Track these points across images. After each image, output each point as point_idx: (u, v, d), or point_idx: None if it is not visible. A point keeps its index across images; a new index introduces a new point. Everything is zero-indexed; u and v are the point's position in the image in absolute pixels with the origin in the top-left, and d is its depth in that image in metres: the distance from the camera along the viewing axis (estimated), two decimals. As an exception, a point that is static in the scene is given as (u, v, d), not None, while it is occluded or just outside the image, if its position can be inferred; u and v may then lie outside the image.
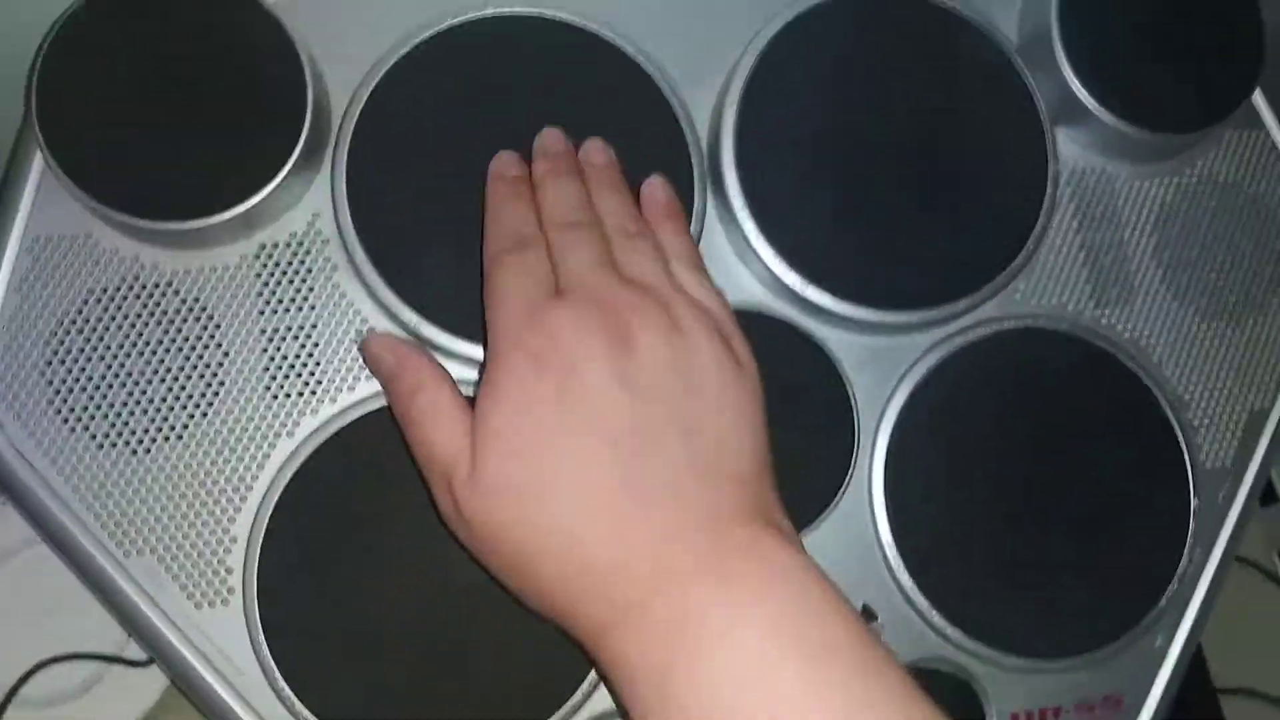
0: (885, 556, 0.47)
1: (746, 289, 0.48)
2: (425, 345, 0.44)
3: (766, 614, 0.33)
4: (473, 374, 0.44)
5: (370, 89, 0.45)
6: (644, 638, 0.33)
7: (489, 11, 0.47)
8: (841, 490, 0.47)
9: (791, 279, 0.47)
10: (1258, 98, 0.54)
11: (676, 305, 0.38)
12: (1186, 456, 0.50)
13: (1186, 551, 0.49)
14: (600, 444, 0.35)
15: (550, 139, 0.44)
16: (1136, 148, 0.50)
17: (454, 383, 0.39)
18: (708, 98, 0.48)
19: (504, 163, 0.43)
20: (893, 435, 0.48)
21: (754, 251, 0.47)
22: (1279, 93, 0.54)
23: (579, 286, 0.38)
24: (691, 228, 0.46)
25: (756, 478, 0.37)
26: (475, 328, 0.44)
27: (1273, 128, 0.54)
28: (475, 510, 0.36)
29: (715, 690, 0.32)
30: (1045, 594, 0.48)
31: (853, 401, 0.48)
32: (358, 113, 0.45)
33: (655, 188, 0.44)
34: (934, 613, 0.47)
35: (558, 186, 0.42)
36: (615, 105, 0.47)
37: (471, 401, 0.38)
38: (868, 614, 0.47)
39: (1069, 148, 0.51)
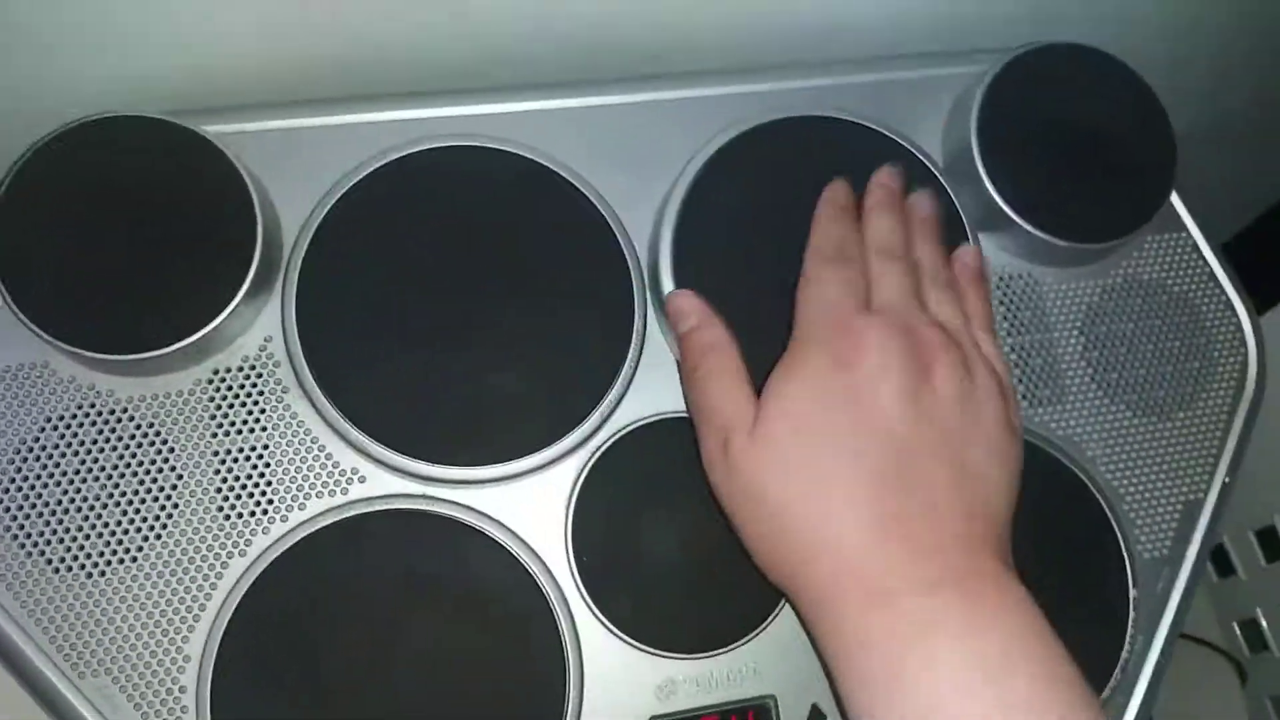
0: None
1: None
2: (370, 463, 0.45)
3: (1003, 632, 0.36)
4: (420, 488, 0.46)
5: (320, 217, 0.47)
6: (886, 625, 0.37)
7: (435, 143, 0.49)
8: (786, 593, 0.48)
9: (731, 388, 0.48)
10: (1177, 201, 0.56)
11: (972, 357, 0.42)
12: (1124, 548, 0.51)
13: (1128, 641, 0.50)
14: (881, 448, 0.39)
15: (887, 175, 0.48)
16: (1059, 254, 0.52)
17: (742, 353, 0.43)
18: (646, 220, 0.51)
19: (838, 189, 0.48)
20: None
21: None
22: (1195, 192, 0.57)
23: (890, 309, 0.42)
24: (633, 343, 0.48)
25: (1004, 524, 0.40)
26: (422, 446, 0.45)
27: (1192, 229, 0.56)
28: (748, 464, 0.40)
29: (950, 683, 0.35)
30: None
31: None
32: (307, 241, 0.47)
33: (970, 255, 0.48)
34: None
35: (886, 219, 0.46)
36: (558, 229, 0.49)
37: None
38: (816, 715, 0.47)
39: (996, 254, 0.53)
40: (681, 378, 0.46)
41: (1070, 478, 0.51)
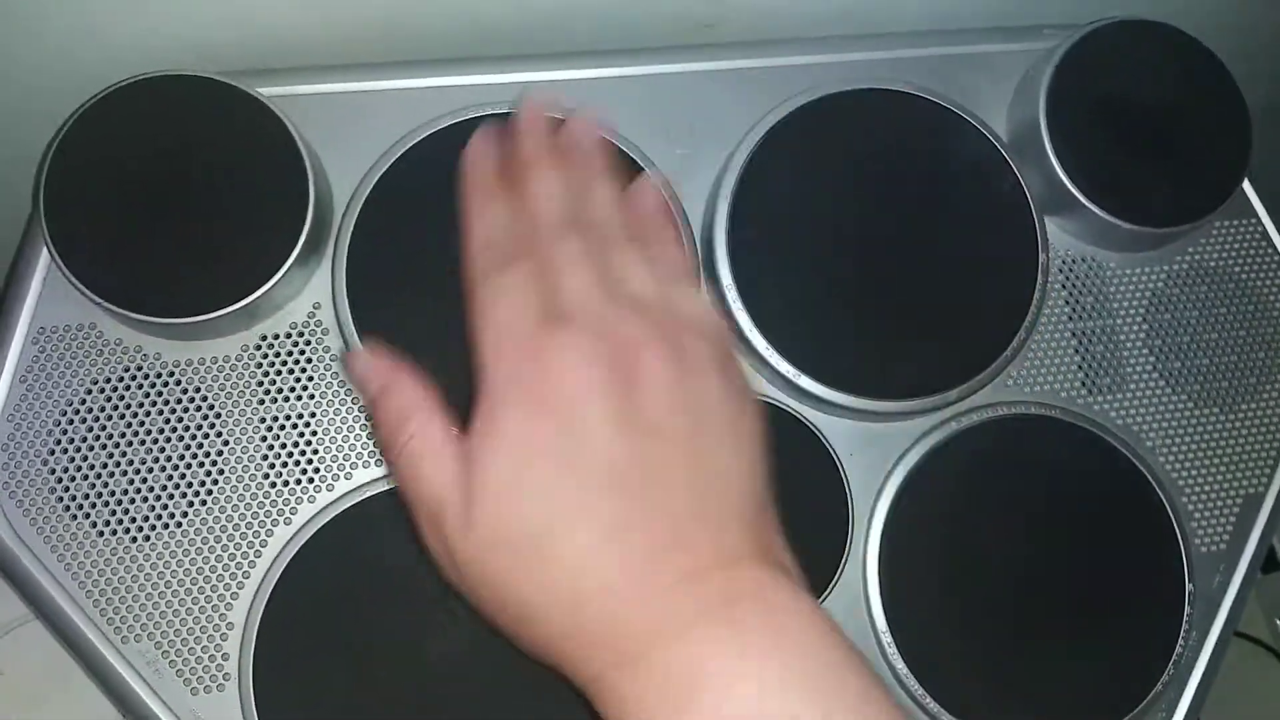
0: (880, 643, 0.47)
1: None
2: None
3: (776, 666, 0.31)
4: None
5: (371, 184, 0.46)
6: (646, 691, 0.31)
7: (487, 109, 0.48)
8: (836, 577, 0.47)
9: (785, 368, 0.47)
10: (1248, 187, 0.55)
11: (680, 335, 0.35)
12: (1181, 541, 0.50)
13: (1182, 636, 0.49)
14: (603, 492, 0.33)
15: (531, 112, 0.41)
16: (1126, 238, 0.51)
17: (444, 413, 0.36)
18: (701, 191, 0.49)
19: (477, 150, 0.40)
20: (887, 522, 0.48)
21: (748, 342, 0.47)
22: (1267, 177, 0.55)
23: (577, 313, 0.34)
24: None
25: (760, 516, 0.35)
26: (463, 418, 0.44)
27: (1264, 217, 0.55)
28: (469, 559, 0.34)
29: (746, 710, 0.30)
30: (1041, 681, 0.48)
31: (847, 487, 0.48)
32: (359, 207, 0.46)
33: (648, 195, 0.41)
34: (930, 700, 0.46)
35: (545, 179, 0.38)
36: (611, 197, 0.48)
37: (461, 430, 0.35)
38: None
39: (1059, 236, 0.52)
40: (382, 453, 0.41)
41: (1128, 468, 0.50)
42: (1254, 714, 0.73)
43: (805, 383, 0.47)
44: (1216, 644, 0.50)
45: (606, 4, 0.55)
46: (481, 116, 0.48)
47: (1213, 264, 0.54)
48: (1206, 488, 0.51)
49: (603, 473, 0.33)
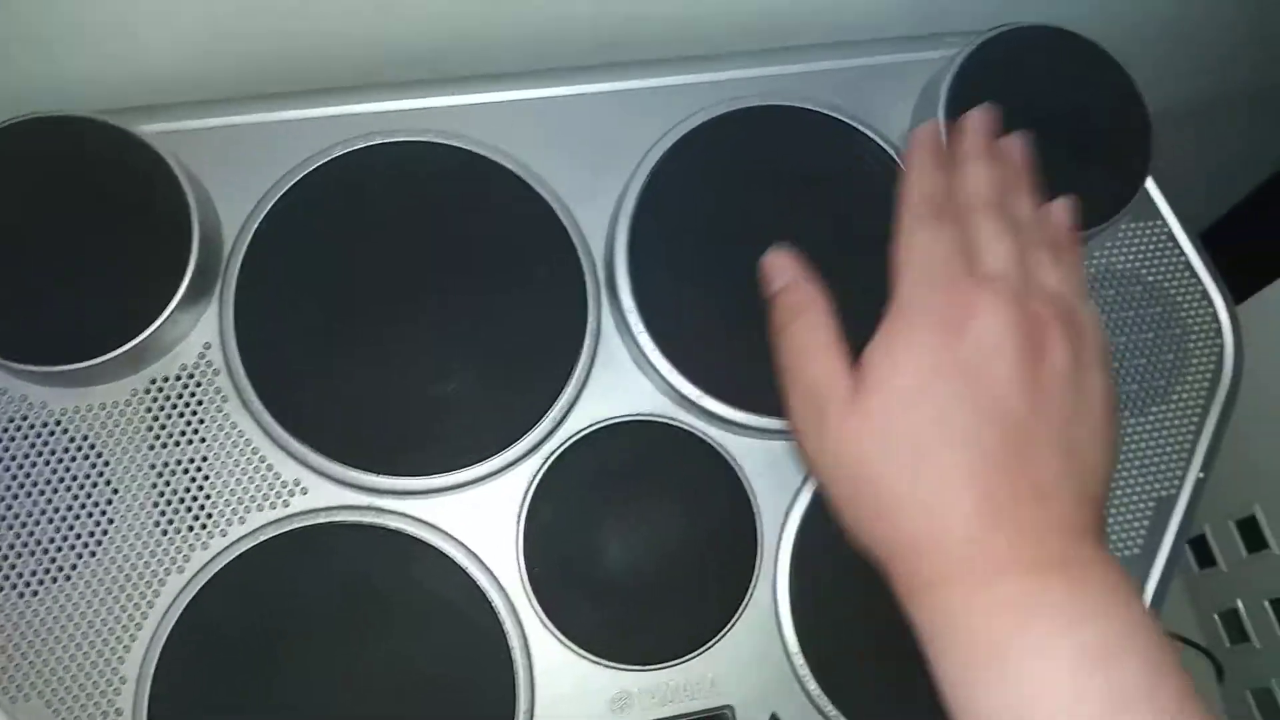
0: (792, 665, 0.47)
1: (647, 397, 0.48)
2: (313, 474, 0.44)
3: (1108, 621, 0.35)
4: (365, 499, 0.44)
5: (259, 219, 0.46)
6: (992, 607, 0.35)
7: (380, 139, 0.47)
8: (746, 598, 0.47)
9: (689, 390, 0.47)
10: (1153, 189, 0.55)
11: (1081, 329, 0.40)
12: (1095, 549, 0.50)
13: (1099, 645, 0.49)
14: (993, 428, 0.37)
15: (979, 120, 0.46)
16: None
17: (836, 315, 0.41)
18: (601, 215, 0.49)
19: (929, 131, 0.46)
20: (796, 541, 0.48)
21: (652, 365, 0.47)
22: (1172, 180, 0.55)
23: (999, 278, 0.39)
24: (586, 344, 0.47)
25: (1103, 508, 0.39)
26: (366, 456, 0.44)
27: (1169, 217, 0.55)
28: (848, 435, 0.38)
29: (1055, 672, 0.34)
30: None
31: (755, 508, 0.48)
32: (246, 243, 0.45)
33: (1064, 211, 0.46)
34: (842, 719, 0.46)
35: (983, 168, 0.44)
36: (509, 226, 0.48)
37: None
38: (777, 725, 0.46)
39: (963, 247, 0.51)
40: (771, 338, 0.44)
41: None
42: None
43: (710, 404, 0.47)
44: (1135, 648, 0.50)
45: (502, 27, 0.54)
46: (373, 145, 0.47)
47: (1120, 267, 0.54)
48: (1118, 492, 0.51)
49: (995, 414, 0.37)
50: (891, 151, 0.51)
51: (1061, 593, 0.36)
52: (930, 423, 0.37)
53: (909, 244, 0.41)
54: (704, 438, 0.48)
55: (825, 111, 0.51)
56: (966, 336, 0.38)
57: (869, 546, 0.39)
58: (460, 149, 0.48)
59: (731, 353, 0.48)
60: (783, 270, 0.44)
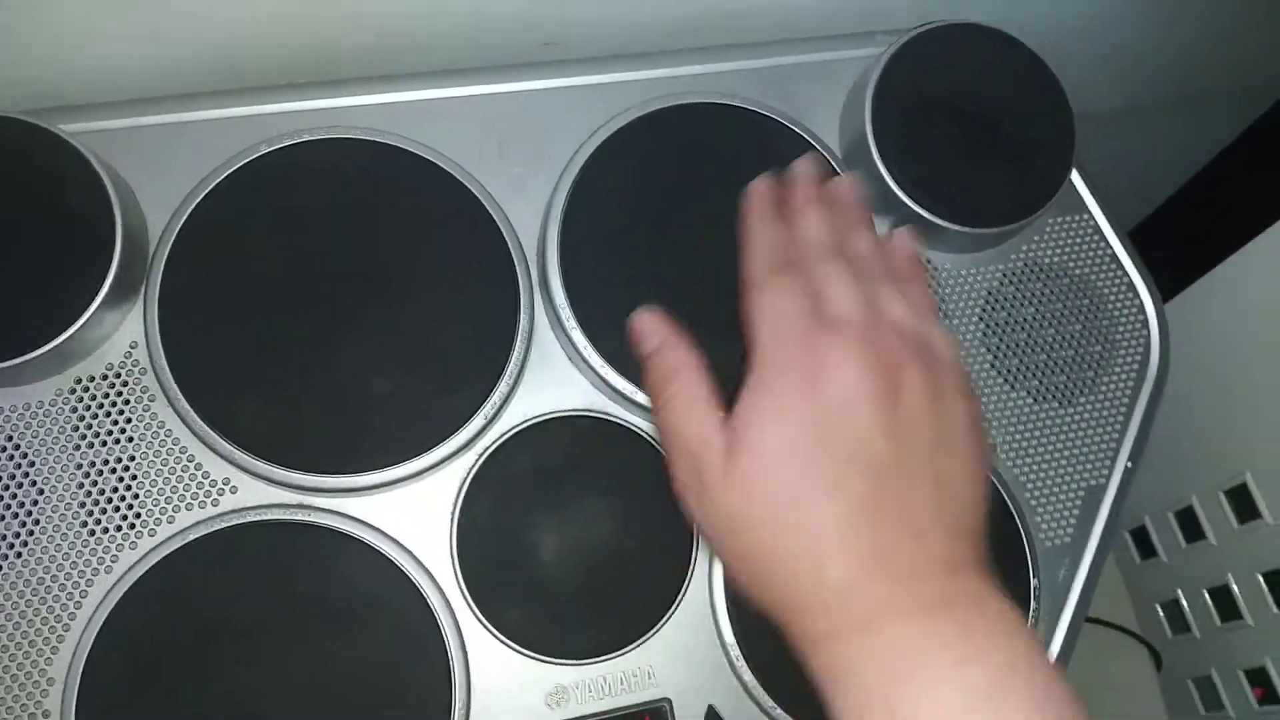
0: (729, 656, 0.47)
1: (581, 392, 0.48)
2: (242, 473, 0.44)
3: (995, 658, 0.35)
4: (296, 498, 0.44)
5: (184, 218, 0.45)
6: (879, 654, 0.36)
7: (307, 136, 0.47)
8: (682, 590, 0.47)
9: (622, 384, 0.47)
10: (1079, 181, 0.55)
11: (935, 360, 0.40)
12: (1025, 536, 0.51)
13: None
14: (863, 476, 0.37)
15: (807, 168, 0.47)
16: (956, 240, 0.52)
17: (708, 374, 0.41)
18: (533, 212, 0.49)
19: (763, 188, 0.46)
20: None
21: (584, 359, 0.47)
22: (1101, 177, 0.56)
23: (846, 321, 0.40)
24: (518, 341, 0.47)
25: (980, 535, 0.39)
26: (296, 454, 0.44)
27: (1095, 211, 0.56)
28: (725, 501, 0.39)
29: (950, 711, 0.34)
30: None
31: (689, 502, 0.48)
32: (171, 241, 0.45)
33: (906, 240, 0.46)
34: (778, 710, 0.46)
35: (818, 218, 0.44)
36: (440, 224, 0.48)
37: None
38: (713, 716, 0.46)
39: (892, 241, 0.52)
40: (650, 401, 0.44)
41: (971, 467, 0.51)
42: (1124, 705, 0.74)
43: (643, 398, 0.47)
44: (1066, 636, 0.51)
45: (434, 24, 0.54)
46: (300, 143, 0.47)
47: (1047, 260, 0.54)
48: (1048, 482, 0.52)
49: (860, 458, 0.37)
50: (820, 149, 0.51)
51: (948, 633, 0.36)
52: (799, 477, 0.38)
53: (759, 301, 0.41)
54: (638, 432, 0.48)
55: (755, 109, 0.51)
56: (823, 387, 0.38)
57: (765, 607, 0.39)
58: (389, 146, 0.48)
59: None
60: (654, 332, 0.44)
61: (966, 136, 0.52)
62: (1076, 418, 0.53)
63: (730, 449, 0.39)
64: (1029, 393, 0.53)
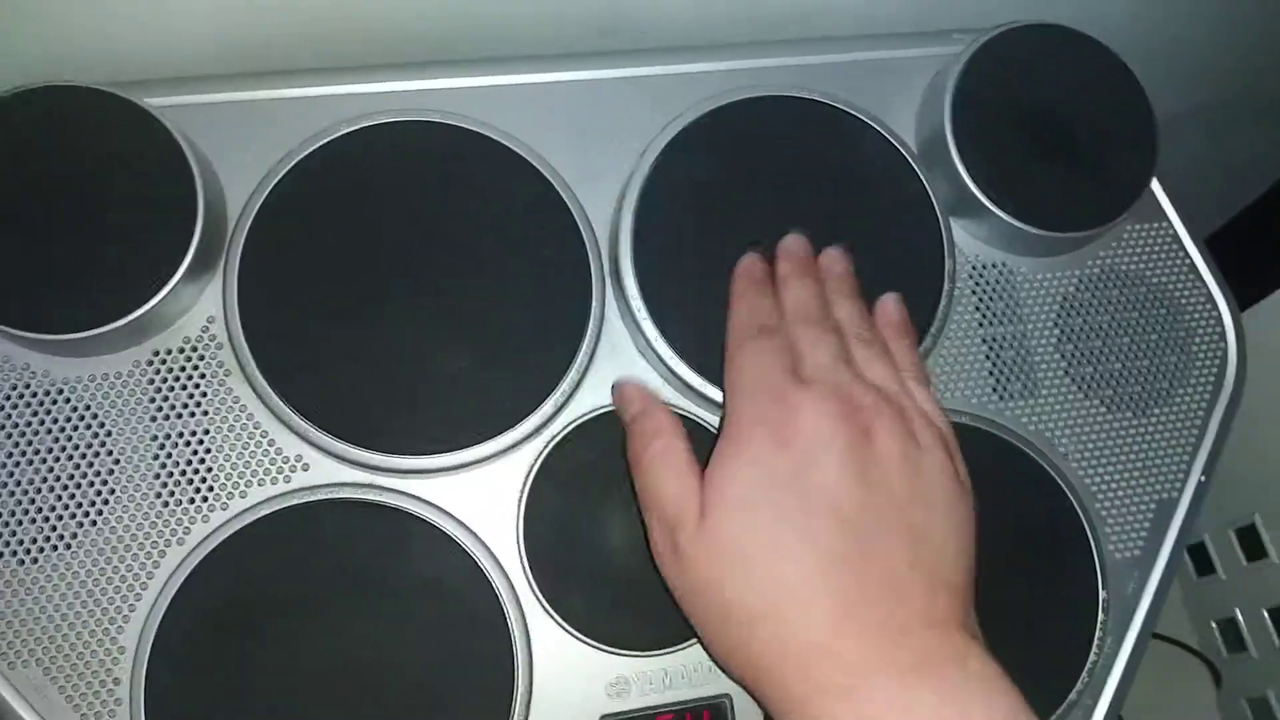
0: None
1: (648, 383, 0.48)
2: (314, 450, 0.44)
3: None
4: (366, 477, 0.44)
5: (264, 195, 0.46)
6: (856, 717, 0.34)
7: (387, 118, 0.47)
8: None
9: (692, 378, 0.47)
10: (1158, 190, 0.55)
11: (911, 415, 0.40)
12: (1095, 548, 0.50)
13: (1096, 643, 0.49)
14: (833, 529, 0.36)
15: (795, 243, 0.47)
16: (1035, 243, 0.51)
17: (688, 438, 0.41)
18: (606, 201, 0.49)
19: (749, 263, 0.46)
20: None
21: (655, 351, 0.47)
22: (1180, 183, 0.55)
23: (822, 379, 0.40)
24: (590, 329, 0.47)
25: (966, 590, 0.38)
26: (368, 434, 0.44)
27: (1174, 219, 0.55)
28: (697, 558, 0.38)
29: None
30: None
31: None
32: (251, 218, 0.45)
33: (890, 303, 0.47)
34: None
35: (801, 286, 0.45)
36: (515, 209, 0.48)
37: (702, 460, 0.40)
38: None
39: (968, 242, 0.52)
40: (631, 467, 0.43)
41: (1041, 474, 0.50)
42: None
43: (712, 391, 0.46)
44: (1132, 651, 0.50)
45: (507, 11, 0.54)
46: (380, 125, 0.47)
47: (1124, 268, 0.54)
48: (1120, 493, 0.51)
49: (831, 510, 0.37)
50: (898, 145, 0.51)
51: (926, 695, 0.34)
52: (767, 534, 0.37)
53: (736, 364, 0.42)
54: (707, 426, 0.48)
55: (833, 103, 0.51)
56: (794, 441, 0.38)
57: (739, 677, 0.38)
58: (467, 130, 0.48)
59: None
60: (633, 399, 0.44)
61: (1047, 139, 0.51)
62: (1150, 428, 0.52)
63: (702, 507, 0.38)
64: (1102, 401, 0.52)
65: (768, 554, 0.36)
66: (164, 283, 0.43)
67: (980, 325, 0.51)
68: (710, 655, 0.40)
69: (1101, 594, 0.49)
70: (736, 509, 0.37)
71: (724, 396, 0.42)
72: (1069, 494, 0.50)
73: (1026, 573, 0.49)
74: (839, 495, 0.37)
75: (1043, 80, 0.52)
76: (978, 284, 0.52)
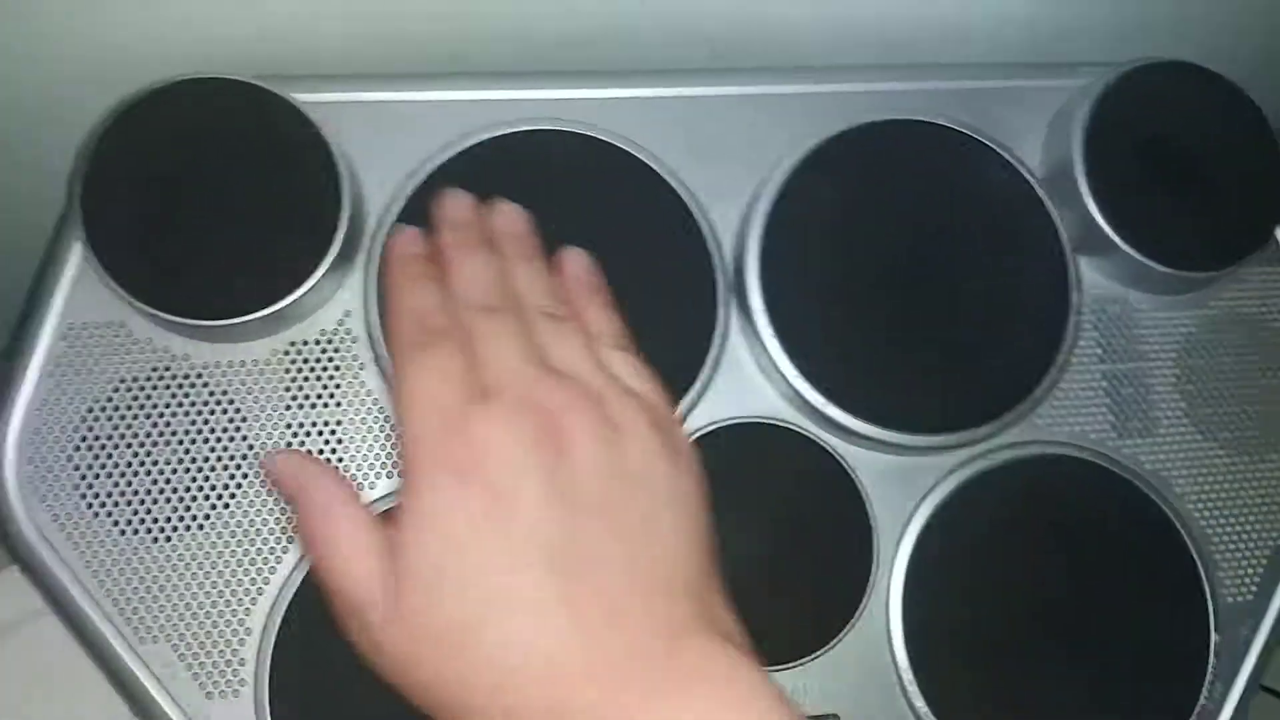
0: (901, 680, 0.46)
1: (768, 402, 0.48)
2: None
3: None
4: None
5: (406, 195, 0.46)
6: None
7: (523, 126, 0.48)
8: (859, 611, 0.46)
9: (814, 397, 0.47)
10: (1282, 234, 0.54)
11: (610, 399, 0.35)
12: (1208, 591, 0.49)
13: (1206, 687, 0.48)
14: (537, 572, 0.31)
15: (455, 204, 0.41)
16: (1159, 281, 0.51)
17: (366, 506, 0.35)
18: (732, 214, 0.49)
19: (404, 238, 0.40)
20: (911, 557, 0.47)
21: (777, 368, 0.47)
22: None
23: (504, 387, 0.34)
24: (713, 344, 0.47)
25: (704, 582, 0.34)
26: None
27: (1298, 264, 0.54)
28: (398, 653, 0.32)
29: None
30: (1062, 727, 0.47)
31: (872, 520, 0.47)
32: (392, 218, 0.46)
33: (576, 260, 0.41)
34: (947, 740, 0.46)
35: (469, 262, 0.38)
36: (641, 219, 0.48)
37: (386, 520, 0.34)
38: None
39: (1090, 276, 0.51)
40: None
41: (1156, 514, 0.50)
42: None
43: (834, 413, 0.47)
44: (1241, 697, 0.49)
45: (642, 25, 0.55)
46: (518, 132, 0.48)
47: (1247, 310, 0.53)
48: (1235, 537, 0.51)
49: (533, 550, 0.31)
50: (1028, 176, 0.51)
51: (679, 714, 0.30)
52: (470, 597, 0.31)
53: (399, 386, 0.34)
54: (824, 445, 0.48)
55: (964, 130, 0.51)
56: (475, 475, 0.32)
57: None
58: (598, 140, 0.49)
59: (857, 363, 0.48)
60: (291, 471, 0.36)
61: (1176, 177, 0.51)
62: (1268, 473, 0.52)
63: (391, 586, 0.32)
64: (1221, 443, 0.51)
65: (467, 629, 0.31)
66: (309, 276, 0.44)
67: (1100, 361, 0.51)
68: None
69: (1213, 637, 0.49)
70: (428, 579, 0.32)
71: (397, 429, 0.36)
72: (1184, 534, 0.50)
73: (1139, 612, 0.49)
74: (538, 530, 0.32)
75: (1174, 118, 0.51)
76: (1099, 319, 0.51)
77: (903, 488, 0.48)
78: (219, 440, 0.44)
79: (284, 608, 0.42)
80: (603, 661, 0.31)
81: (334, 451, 0.45)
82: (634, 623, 0.32)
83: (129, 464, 0.44)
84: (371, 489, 0.44)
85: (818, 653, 0.46)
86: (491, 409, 0.33)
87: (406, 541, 0.32)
